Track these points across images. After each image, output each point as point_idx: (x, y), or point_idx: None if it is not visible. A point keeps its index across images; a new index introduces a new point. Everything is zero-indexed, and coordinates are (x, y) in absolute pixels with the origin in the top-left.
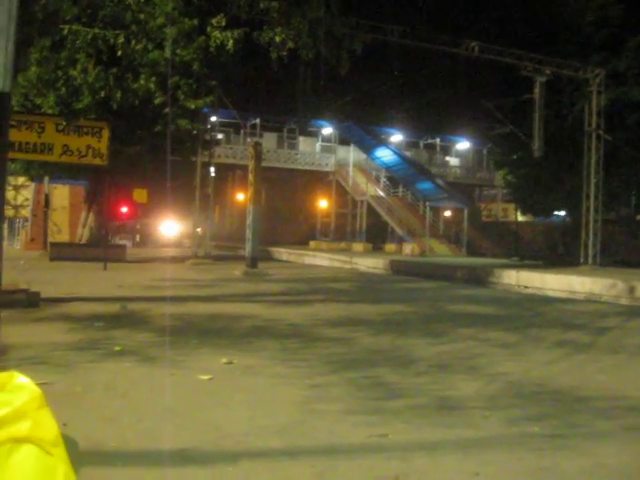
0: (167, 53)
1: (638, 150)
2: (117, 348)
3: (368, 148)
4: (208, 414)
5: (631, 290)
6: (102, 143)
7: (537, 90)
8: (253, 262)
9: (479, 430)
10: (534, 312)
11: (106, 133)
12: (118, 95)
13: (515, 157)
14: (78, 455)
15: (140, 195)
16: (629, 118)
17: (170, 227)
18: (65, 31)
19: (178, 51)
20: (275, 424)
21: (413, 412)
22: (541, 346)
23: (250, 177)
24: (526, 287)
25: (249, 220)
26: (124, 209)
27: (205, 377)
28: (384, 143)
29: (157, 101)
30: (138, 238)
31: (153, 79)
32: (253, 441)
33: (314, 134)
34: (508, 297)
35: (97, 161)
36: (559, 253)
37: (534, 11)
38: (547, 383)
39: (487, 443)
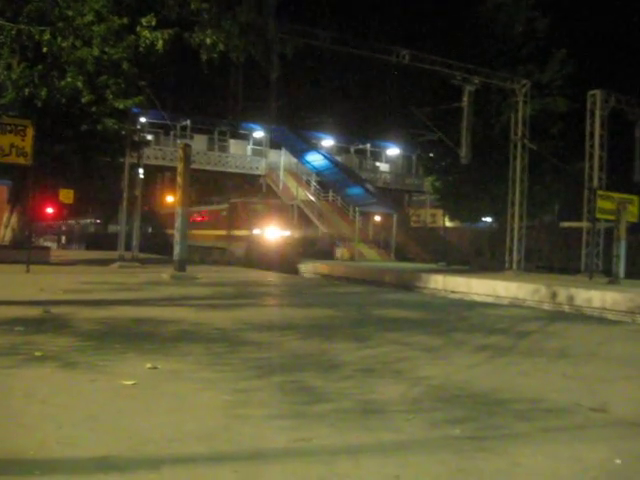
0: (95, 51)
1: (561, 159)
2: (38, 353)
3: (299, 152)
4: (131, 420)
5: (553, 295)
6: (26, 142)
7: (466, 99)
8: (181, 265)
9: (401, 433)
10: (459, 316)
11: (30, 131)
12: (43, 93)
13: (443, 164)
14: None
15: (66, 195)
16: (553, 128)
17: (276, 232)
18: None
19: (107, 49)
20: (199, 429)
21: (337, 416)
22: (464, 350)
23: (179, 179)
24: (453, 292)
25: (177, 223)
26: (50, 210)
27: (128, 382)
28: (315, 148)
29: (84, 100)
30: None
31: (80, 77)
32: (176, 447)
33: (245, 137)
34: (434, 302)
35: (21, 160)
36: (485, 259)
37: (465, 22)
38: (469, 386)
39: (409, 446)
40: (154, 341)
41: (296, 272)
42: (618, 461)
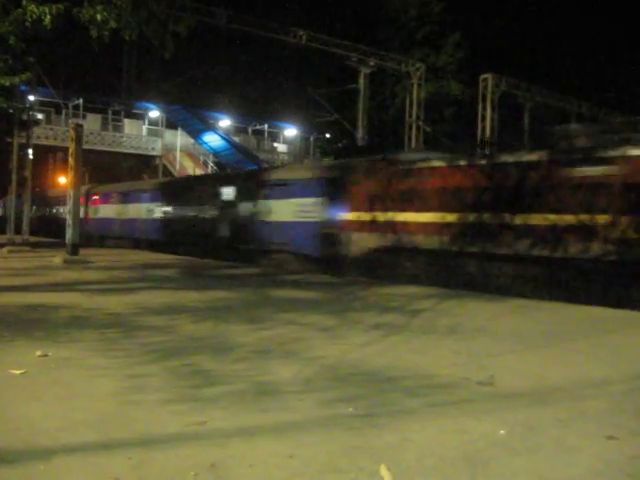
0: None
1: (454, 141)
2: None
3: (196, 133)
4: (20, 410)
5: None
6: None
7: (362, 81)
8: (74, 249)
9: (295, 413)
10: (354, 296)
11: None
12: None
13: (340, 145)
14: None
15: None
16: (446, 111)
17: None
18: None
19: None
20: (91, 417)
21: (231, 398)
22: (358, 329)
23: (70, 160)
24: None
25: (69, 205)
26: None
27: (17, 371)
28: (212, 128)
29: None
30: None
31: None
32: (68, 436)
33: (140, 117)
34: (331, 282)
35: None
36: None
37: (361, 5)
38: (362, 364)
39: (303, 425)
40: (45, 328)
41: None
42: (502, 431)
